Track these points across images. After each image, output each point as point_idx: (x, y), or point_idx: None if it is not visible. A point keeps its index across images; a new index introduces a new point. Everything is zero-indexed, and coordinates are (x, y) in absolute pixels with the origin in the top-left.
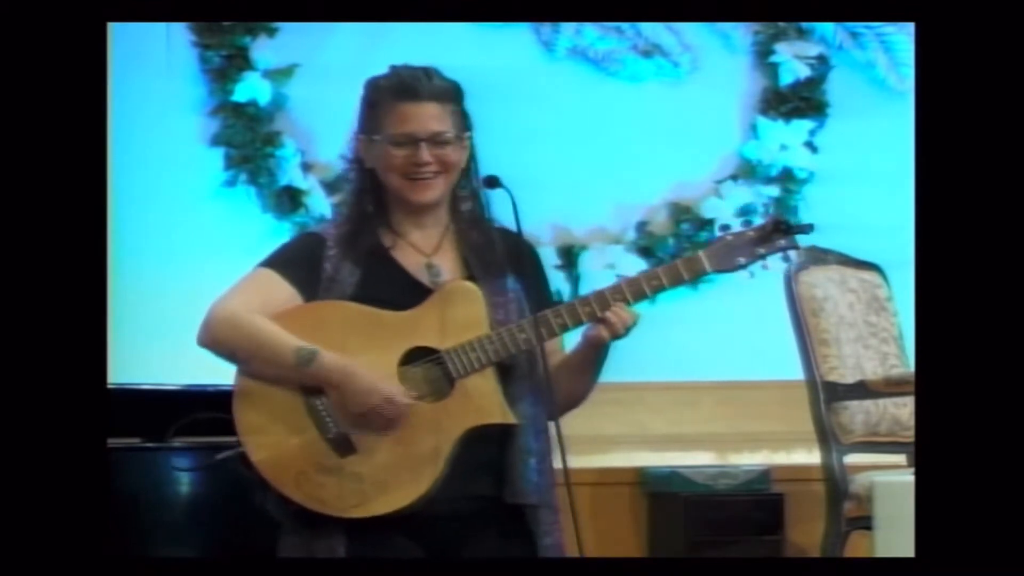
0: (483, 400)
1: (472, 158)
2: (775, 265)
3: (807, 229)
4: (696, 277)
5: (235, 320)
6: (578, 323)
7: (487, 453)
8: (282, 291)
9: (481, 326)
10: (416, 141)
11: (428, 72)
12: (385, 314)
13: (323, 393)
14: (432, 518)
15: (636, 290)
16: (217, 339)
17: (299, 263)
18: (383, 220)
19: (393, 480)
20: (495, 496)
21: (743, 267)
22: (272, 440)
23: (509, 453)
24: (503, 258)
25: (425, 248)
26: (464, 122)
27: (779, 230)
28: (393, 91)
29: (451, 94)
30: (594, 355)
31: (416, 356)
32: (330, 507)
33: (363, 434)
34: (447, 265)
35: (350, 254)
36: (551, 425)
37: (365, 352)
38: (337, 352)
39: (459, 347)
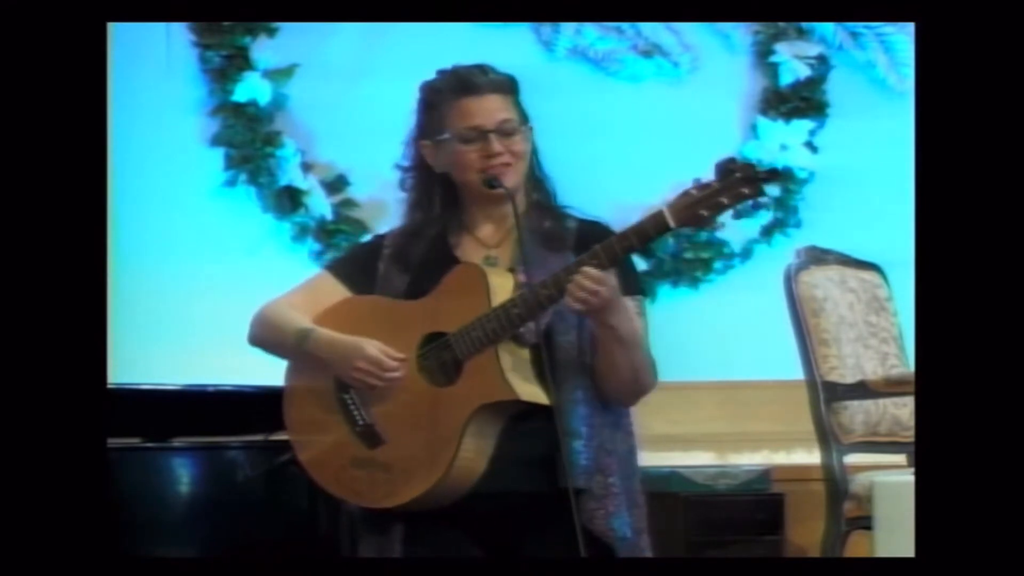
0: (485, 379)
1: (535, 149)
2: (748, 214)
3: (774, 177)
4: (661, 233)
5: (265, 314)
6: (563, 292)
7: (536, 445)
8: (334, 290)
9: (487, 308)
10: (485, 134)
11: (483, 68)
12: (405, 303)
13: (350, 386)
14: (483, 512)
15: (610, 253)
16: (254, 334)
17: (353, 263)
18: (455, 218)
19: (415, 468)
20: (545, 488)
21: (707, 220)
22: (313, 438)
23: (555, 437)
24: (568, 245)
25: (490, 241)
26: (524, 113)
27: (745, 179)
28: (453, 89)
29: (509, 86)
30: (598, 332)
31: (433, 341)
32: (365, 499)
33: (386, 419)
34: (506, 256)
35: (403, 255)
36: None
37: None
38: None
39: (462, 329)
